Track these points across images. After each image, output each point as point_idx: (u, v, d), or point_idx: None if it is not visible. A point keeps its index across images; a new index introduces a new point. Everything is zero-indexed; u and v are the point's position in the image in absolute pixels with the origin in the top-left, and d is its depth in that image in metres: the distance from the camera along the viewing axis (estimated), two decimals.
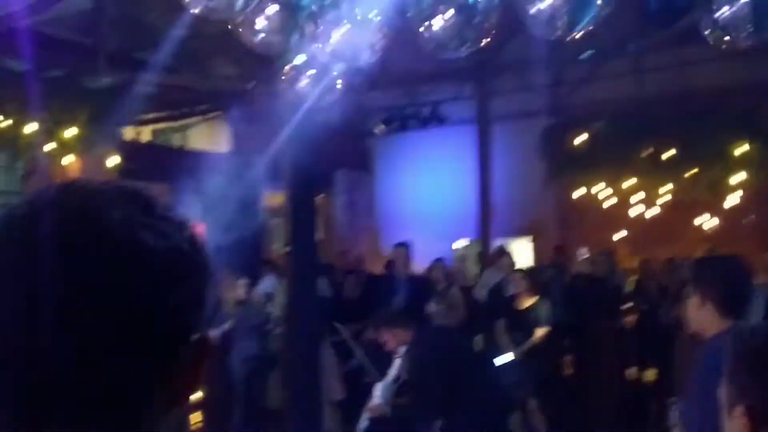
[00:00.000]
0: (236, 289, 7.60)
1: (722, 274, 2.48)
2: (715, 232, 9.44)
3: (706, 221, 9.59)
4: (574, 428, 6.93)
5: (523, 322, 6.64)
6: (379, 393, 4.96)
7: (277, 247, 12.27)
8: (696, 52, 7.41)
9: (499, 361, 6.65)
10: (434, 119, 11.00)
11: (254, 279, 8.15)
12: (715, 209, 9.43)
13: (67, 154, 8.19)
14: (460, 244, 12.33)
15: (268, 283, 8.53)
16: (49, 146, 8.02)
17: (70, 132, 8.09)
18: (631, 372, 7.27)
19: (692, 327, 2.52)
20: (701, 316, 2.40)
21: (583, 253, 7.30)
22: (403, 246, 7.50)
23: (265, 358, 7.74)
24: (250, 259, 8.24)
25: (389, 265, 8.99)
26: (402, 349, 4.67)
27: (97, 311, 0.60)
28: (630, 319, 7.26)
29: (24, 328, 0.59)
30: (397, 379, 4.78)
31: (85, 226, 0.62)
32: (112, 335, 0.60)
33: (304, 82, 7.52)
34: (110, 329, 0.60)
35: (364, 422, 5.08)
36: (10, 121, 7.68)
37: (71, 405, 0.60)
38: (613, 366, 7.02)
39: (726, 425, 1.26)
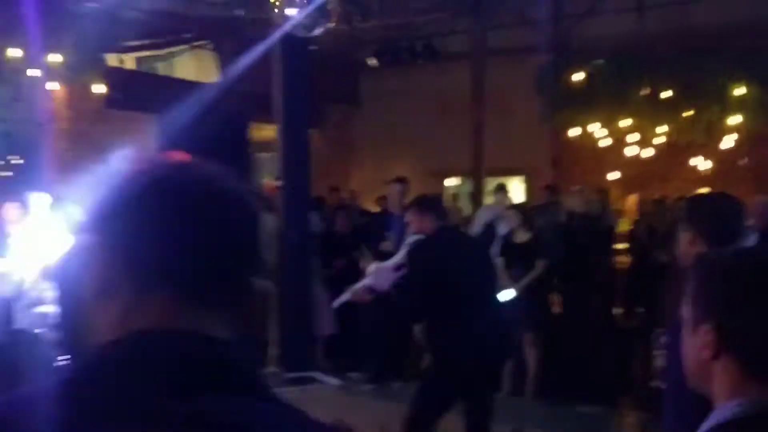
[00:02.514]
0: None
1: (714, 210, 2.50)
2: (710, 174, 9.42)
3: (701, 163, 9.57)
4: (563, 364, 7.03)
5: (518, 259, 6.65)
6: (372, 273, 4.60)
7: (266, 181, 12.17)
8: None
9: (502, 297, 6.69)
10: (428, 53, 10.76)
11: None
12: (711, 151, 9.39)
13: (52, 80, 7.96)
14: (452, 181, 12.27)
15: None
16: (34, 72, 7.79)
17: (55, 58, 7.85)
18: (619, 312, 7.35)
19: (683, 263, 2.52)
20: (693, 252, 2.37)
21: (576, 189, 7.27)
22: (399, 182, 7.42)
23: None
24: None
25: (382, 200, 8.93)
26: (413, 238, 4.41)
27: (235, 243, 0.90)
28: (623, 260, 7.29)
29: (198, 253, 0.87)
30: (398, 267, 4.45)
31: (219, 193, 0.92)
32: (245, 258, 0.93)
33: (294, 11, 7.29)
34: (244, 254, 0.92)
35: (342, 297, 4.81)
36: None
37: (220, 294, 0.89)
38: (601, 305, 7.09)
39: (688, 343, 1.28)
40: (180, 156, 0.99)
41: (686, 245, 2.46)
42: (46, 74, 7.98)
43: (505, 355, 4.41)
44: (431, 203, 4.50)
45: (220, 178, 0.94)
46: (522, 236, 6.68)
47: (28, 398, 0.82)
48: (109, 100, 9.16)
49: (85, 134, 9.51)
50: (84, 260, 0.89)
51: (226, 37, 11.14)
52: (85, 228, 0.90)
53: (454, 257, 4.16)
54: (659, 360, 2.62)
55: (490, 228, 7.19)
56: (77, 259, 0.92)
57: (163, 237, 0.86)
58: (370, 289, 4.56)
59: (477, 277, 4.18)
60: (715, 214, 2.47)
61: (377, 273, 4.52)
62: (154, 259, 0.86)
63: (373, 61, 11.20)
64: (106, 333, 0.85)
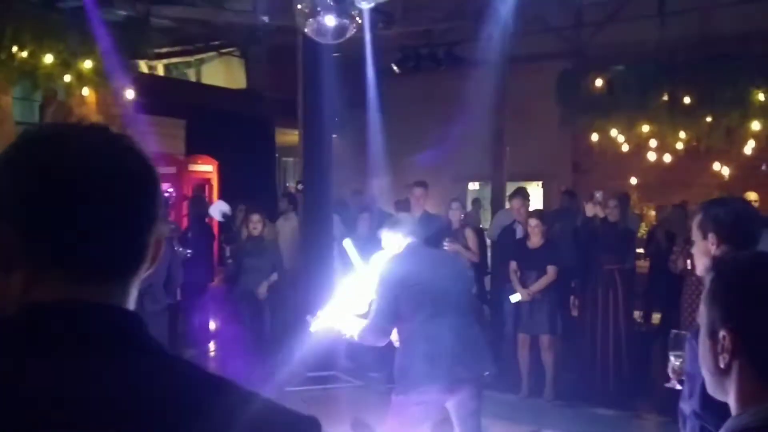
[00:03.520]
0: (251, 225, 7.70)
1: (730, 214, 2.46)
2: (730, 180, 9.42)
3: (722, 169, 9.56)
4: (581, 367, 7.10)
5: (534, 263, 6.73)
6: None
7: (291, 185, 12.37)
8: None
9: (513, 299, 6.78)
10: (449, 59, 10.88)
11: (269, 215, 8.23)
12: (731, 157, 9.39)
13: (83, 86, 8.20)
14: (473, 186, 12.37)
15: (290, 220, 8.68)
16: (66, 78, 8.03)
17: (87, 64, 8.09)
18: (638, 315, 7.39)
19: (699, 268, 2.52)
20: (708, 257, 2.38)
21: (596, 196, 7.33)
22: (420, 185, 7.53)
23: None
24: (264, 196, 8.32)
25: (403, 203, 9.05)
26: (377, 255, 4.47)
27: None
28: (641, 264, 7.34)
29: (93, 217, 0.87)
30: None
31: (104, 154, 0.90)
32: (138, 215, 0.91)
33: (319, 19, 7.46)
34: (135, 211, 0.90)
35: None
36: (27, 53, 7.68)
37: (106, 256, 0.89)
38: (620, 308, 7.13)
39: (704, 348, 1.27)
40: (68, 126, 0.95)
41: (702, 250, 2.47)
42: (78, 80, 8.22)
43: (479, 371, 4.34)
44: (398, 223, 4.55)
45: (97, 142, 0.91)
46: (537, 241, 6.77)
47: None
48: (138, 106, 9.38)
49: None
50: None
51: (252, 45, 11.37)
52: None
53: (421, 271, 4.17)
54: (673, 361, 2.60)
55: (507, 232, 7.29)
56: None
57: (49, 212, 0.85)
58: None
59: (445, 292, 4.15)
60: (731, 218, 2.44)
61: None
62: (43, 236, 0.86)
63: (395, 68, 11.35)
64: (11, 306, 0.86)
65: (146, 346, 0.87)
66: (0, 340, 0.84)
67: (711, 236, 2.45)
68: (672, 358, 2.55)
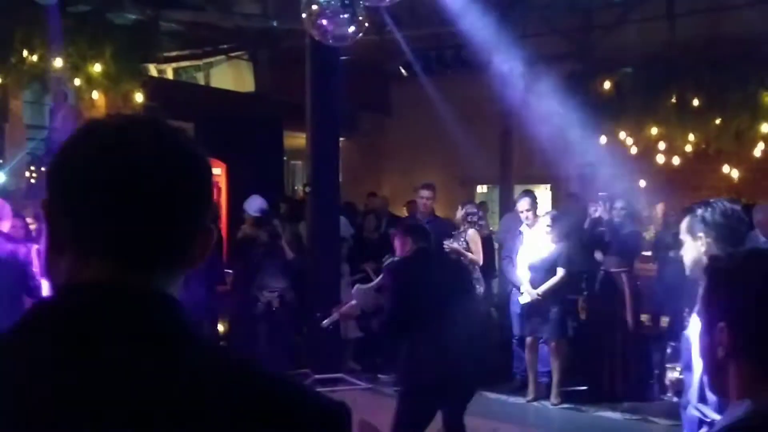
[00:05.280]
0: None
1: (717, 213, 2.51)
2: (740, 183, 9.37)
3: (731, 171, 9.52)
4: (588, 369, 7.08)
5: (542, 265, 6.72)
6: (354, 295, 4.83)
7: (299, 188, 12.39)
8: None
9: (521, 300, 6.77)
10: (457, 62, 10.88)
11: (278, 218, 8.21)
12: (741, 159, 9.34)
13: (93, 89, 8.26)
14: (481, 189, 12.36)
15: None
16: (76, 81, 8.09)
17: (96, 68, 8.15)
18: (645, 319, 7.35)
19: (689, 269, 2.54)
20: (703, 257, 2.41)
21: (603, 198, 7.31)
22: (428, 187, 7.54)
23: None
24: (272, 198, 8.30)
25: (411, 206, 9.07)
26: (390, 260, 4.66)
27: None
28: (649, 267, 7.30)
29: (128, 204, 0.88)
30: (379, 288, 4.64)
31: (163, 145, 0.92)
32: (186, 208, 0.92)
33: (327, 22, 7.48)
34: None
35: (331, 319, 4.96)
36: (37, 57, 7.74)
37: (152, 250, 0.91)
38: (626, 312, 7.11)
39: (703, 344, 1.29)
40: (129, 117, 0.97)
41: (692, 250, 2.51)
42: (88, 83, 8.27)
43: (477, 379, 4.40)
44: (409, 229, 4.69)
45: (155, 137, 0.92)
46: (546, 245, 6.76)
47: None
48: (148, 109, 9.42)
49: None
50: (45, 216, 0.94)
51: (261, 48, 11.41)
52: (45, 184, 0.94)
53: (427, 277, 4.26)
54: (671, 374, 2.59)
55: (515, 235, 7.28)
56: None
57: (98, 199, 0.87)
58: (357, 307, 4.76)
59: (449, 297, 4.22)
60: (719, 217, 2.50)
61: (359, 294, 4.77)
62: (89, 223, 0.88)
63: (403, 70, 11.36)
64: (57, 286, 0.91)
65: (184, 332, 0.88)
66: (43, 321, 0.87)
67: (700, 236, 2.49)
68: (669, 372, 2.55)
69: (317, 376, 7.17)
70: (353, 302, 4.83)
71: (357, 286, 4.99)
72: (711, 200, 2.58)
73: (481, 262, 7.13)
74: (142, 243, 0.89)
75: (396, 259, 4.54)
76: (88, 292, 0.87)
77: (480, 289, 6.95)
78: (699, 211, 2.53)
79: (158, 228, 0.90)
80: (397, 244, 4.56)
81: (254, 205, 7.50)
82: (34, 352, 0.84)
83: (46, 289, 4.80)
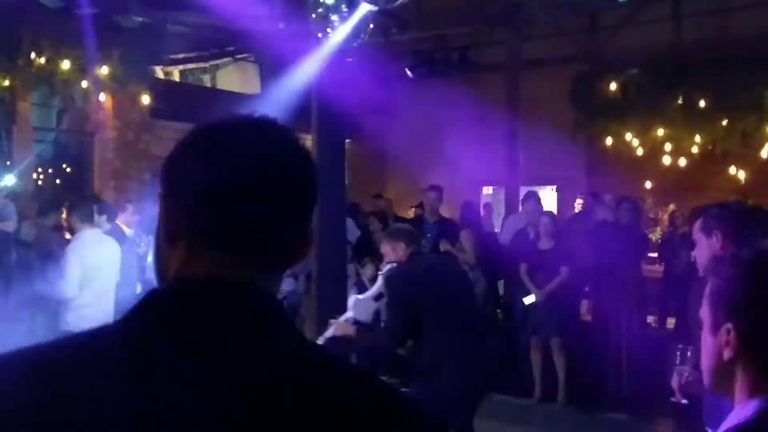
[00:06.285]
0: None
1: (733, 212, 2.51)
2: (747, 184, 9.35)
3: (738, 172, 9.49)
4: (594, 371, 7.06)
5: (546, 265, 6.72)
6: (351, 306, 4.59)
7: None
8: None
9: (526, 301, 6.76)
10: (463, 64, 10.89)
11: None
12: (748, 160, 9.32)
13: (100, 91, 8.30)
14: (486, 191, 12.36)
15: None
16: (84, 83, 8.13)
17: (104, 70, 8.19)
18: (652, 320, 7.34)
19: (702, 268, 2.52)
20: (711, 256, 2.41)
21: (608, 200, 7.31)
22: (435, 189, 7.55)
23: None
24: None
25: (417, 208, 9.08)
26: (387, 267, 4.41)
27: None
28: (655, 268, 7.30)
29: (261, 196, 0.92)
30: (378, 296, 4.49)
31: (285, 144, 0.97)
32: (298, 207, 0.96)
33: (333, 24, 7.51)
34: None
35: (327, 333, 4.78)
36: (45, 59, 7.79)
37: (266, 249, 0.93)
38: (633, 312, 7.10)
39: (707, 344, 1.28)
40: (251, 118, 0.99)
41: (706, 249, 2.51)
42: (96, 86, 8.32)
43: (490, 382, 4.26)
44: (399, 232, 4.47)
45: (272, 136, 0.96)
46: (548, 243, 6.76)
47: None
48: (155, 111, 9.45)
49: (131, 144, 9.87)
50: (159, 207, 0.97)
51: (267, 50, 11.43)
52: (158, 178, 0.97)
53: (428, 282, 4.13)
54: (678, 377, 2.57)
55: (520, 235, 7.28)
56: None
57: (212, 195, 0.91)
58: (354, 321, 4.57)
59: (453, 300, 4.11)
60: (735, 216, 2.50)
61: (357, 305, 4.56)
62: (204, 215, 0.91)
63: (409, 72, 11.38)
64: (170, 277, 0.94)
65: (281, 328, 0.89)
66: (153, 311, 0.89)
67: (716, 235, 2.48)
68: (676, 375, 2.53)
69: None
70: (349, 314, 4.60)
71: (354, 296, 4.80)
72: (725, 201, 2.57)
73: (473, 262, 7.11)
74: (250, 240, 0.92)
75: (392, 266, 4.35)
76: (197, 285, 0.90)
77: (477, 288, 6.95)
78: (714, 211, 2.52)
79: (267, 227, 0.92)
80: (386, 249, 4.31)
81: None
82: (150, 340, 0.86)
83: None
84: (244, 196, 0.91)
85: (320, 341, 5.07)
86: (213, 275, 0.90)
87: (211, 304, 0.88)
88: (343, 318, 4.60)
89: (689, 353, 2.49)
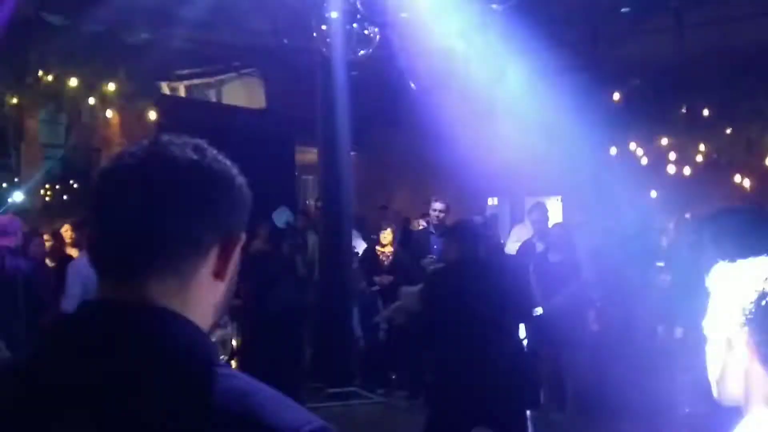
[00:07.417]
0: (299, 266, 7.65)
1: (741, 220, 2.50)
2: (752, 192, 9.34)
3: (743, 181, 9.49)
4: (600, 381, 7.03)
5: (551, 276, 6.71)
6: (401, 296, 4.86)
7: (310, 202, 12.46)
8: (738, 6, 7.26)
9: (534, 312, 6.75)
10: (465, 75, 10.90)
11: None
12: (752, 169, 9.32)
13: (107, 107, 8.37)
14: (492, 202, 12.36)
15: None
16: (91, 100, 8.20)
17: (110, 86, 8.26)
18: (660, 329, 7.31)
19: (707, 279, 2.52)
20: (714, 266, 2.41)
21: (612, 210, 7.31)
22: (440, 200, 7.58)
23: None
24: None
25: (423, 219, 9.09)
26: (432, 265, 4.54)
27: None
28: (662, 278, 7.27)
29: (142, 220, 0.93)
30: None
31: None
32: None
33: (336, 39, 7.56)
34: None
35: (384, 314, 4.85)
36: (52, 76, 7.86)
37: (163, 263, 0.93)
38: (642, 322, 7.08)
39: (712, 352, 1.28)
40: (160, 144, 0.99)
41: (712, 259, 2.51)
42: (103, 102, 8.39)
43: (517, 397, 4.20)
44: (462, 234, 4.38)
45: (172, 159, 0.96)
46: (556, 255, 6.76)
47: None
48: (161, 126, 9.51)
49: None
50: None
51: (272, 65, 11.51)
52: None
53: (464, 291, 4.08)
54: (687, 387, 2.56)
55: (526, 247, 7.28)
56: None
57: (99, 223, 0.95)
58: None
59: (487, 313, 4.05)
60: (743, 225, 2.48)
61: (405, 295, 4.70)
62: (98, 243, 0.95)
63: (414, 84, 11.40)
64: None
65: (166, 347, 0.88)
66: (53, 336, 0.95)
67: (723, 243, 2.46)
68: (684, 384, 2.52)
69: (330, 390, 7.17)
70: (399, 303, 4.84)
71: (403, 287, 5.00)
72: (732, 206, 2.54)
73: None
74: (126, 256, 0.93)
75: (437, 265, 4.43)
76: (87, 308, 0.94)
77: None
78: (721, 219, 2.52)
79: (139, 239, 0.92)
80: (444, 244, 4.41)
81: (282, 217, 7.75)
82: (41, 373, 0.90)
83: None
84: (111, 215, 0.93)
85: (378, 319, 5.13)
86: (104, 298, 0.93)
87: (97, 328, 0.90)
88: (395, 305, 4.79)
89: (696, 362, 2.49)
